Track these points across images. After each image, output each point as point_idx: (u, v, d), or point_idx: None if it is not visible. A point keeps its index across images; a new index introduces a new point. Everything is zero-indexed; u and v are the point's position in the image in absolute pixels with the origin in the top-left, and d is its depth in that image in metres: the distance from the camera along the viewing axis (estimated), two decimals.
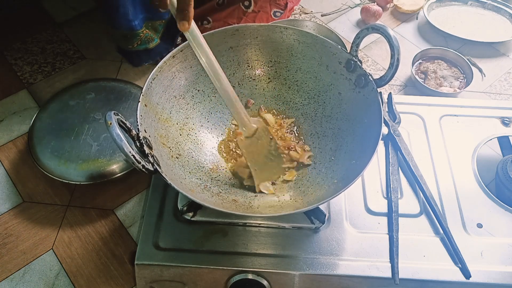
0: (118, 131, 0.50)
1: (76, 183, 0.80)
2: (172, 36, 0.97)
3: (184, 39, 0.65)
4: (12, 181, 0.85)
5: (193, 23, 0.55)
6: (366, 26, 0.63)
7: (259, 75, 0.75)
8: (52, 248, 0.77)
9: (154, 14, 0.91)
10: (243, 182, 0.67)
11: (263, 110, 0.74)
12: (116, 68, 1.05)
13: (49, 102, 0.91)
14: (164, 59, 0.65)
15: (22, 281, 0.73)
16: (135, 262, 0.62)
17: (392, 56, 0.60)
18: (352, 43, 0.66)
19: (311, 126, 0.72)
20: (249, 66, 0.74)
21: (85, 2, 1.19)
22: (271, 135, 0.68)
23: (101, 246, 0.77)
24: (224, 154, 0.70)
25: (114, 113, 0.52)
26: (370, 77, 0.63)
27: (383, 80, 0.62)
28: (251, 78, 0.75)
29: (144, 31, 0.91)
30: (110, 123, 0.51)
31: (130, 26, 0.87)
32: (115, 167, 0.81)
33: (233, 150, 0.71)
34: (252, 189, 0.66)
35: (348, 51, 0.67)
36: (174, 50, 0.67)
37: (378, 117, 0.60)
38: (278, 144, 0.69)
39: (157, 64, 0.65)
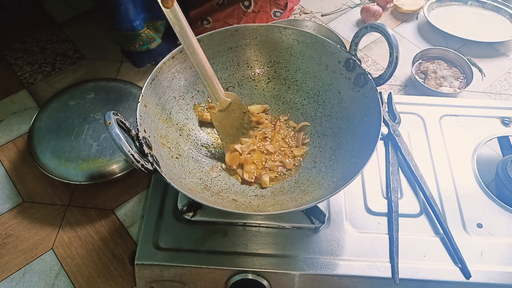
0: (117, 130, 0.51)
1: (76, 183, 0.80)
2: (173, 36, 0.97)
3: None
4: (12, 181, 0.85)
5: (175, 3, 0.56)
6: (365, 25, 0.63)
7: (258, 75, 0.75)
8: (52, 248, 0.77)
9: (154, 14, 0.91)
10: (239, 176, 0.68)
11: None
12: (116, 68, 1.05)
13: (49, 102, 0.91)
14: (164, 59, 0.65)
15: (22, 281, 0.73)
16: (135, 262, 0.62)
17: (391, 54, 0.60)
18: (351, 42, 0.66)
19: (311, 125, 0.72)
20: (248, 66, 0.74)
21: (85, 2, 1.19)
22: (244, 108, 0.68)
23: (101, 246, 0.77)
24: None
25: (113, 113, 0.52)
26: (369, 76, 0.63)
27: (382, 79, 0.62)
28: (250, 78, 0.75)
29: (146, 31, 0.91)
30: (109, 123, 0.51)
31: (131, 26, 0.87)
32: (115, 167, 0.81)
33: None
34: (251, 188, 0.66)
35: (347, 51, 0.67)
36: (174, 51, 0.67)
37: (377, 115, 0.60)
38: (250, 118, 0.70)
39: (156, 64, 0.65)
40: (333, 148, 0.67)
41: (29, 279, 0.74)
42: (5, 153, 0.90)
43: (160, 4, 0.55)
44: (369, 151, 0.57)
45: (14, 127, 0.94)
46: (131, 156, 0.51)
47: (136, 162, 0.51)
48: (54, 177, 0.80)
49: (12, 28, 1.13)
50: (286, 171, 0.68)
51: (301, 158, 0.69)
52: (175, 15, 0.57)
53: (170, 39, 0.98)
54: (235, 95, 0.67)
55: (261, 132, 0.72)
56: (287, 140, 0.71)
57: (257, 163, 0.68)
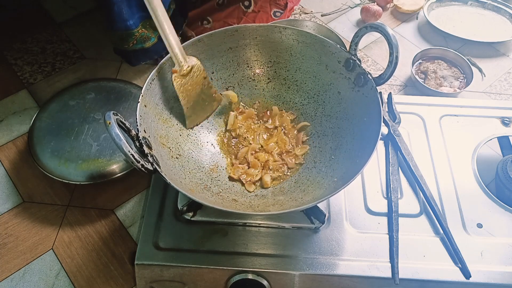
0: (117, 130, 0.51)
1: (76, 183, 0.80)
2: None
3: (184, 39, 0.65)
4: (12, 181, 0.85)
5: None
6: (365, 25, 0.63)
7: (258, 75, 0.75)
8: (52, 248, 0.77)
9: None
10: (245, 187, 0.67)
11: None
12: (116, 68, 1.05)
13: (49, 102, 0.91)
14: (164, 59, 0.65)
15: (22, 281, 0.73)
16: (135, 262, 0.62)
17: (391, 54, 0.60)
18: (351, 42, 0.66)
19: (311, 125, 0.72)
20: (248, 67, 0.74)
21: (85, 2, 1.19)
22: (205, 74, 0.68)
23: (101, 246, 0.77)
24: (225, 149, 0.70)
25: (113, 113, 0.52)
26: (369, 75, 0.63)
27: (382, 78, 0.62)
28: (250, 78, 0.75)
29: (140, 30, 0.90)
30: (109, 123, 0.51)
31: (125, 25, 0.87)
32: (115, 167, 0.81)
33: (231, 145, 0.71)
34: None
35: (347, 50, 0.67)
36: None
37: (377, 115, 0.60)
38: (210, 84, 0.69)
39: (155, 64, 0.65)
40: (333, 148, 0.67)
41: (29, 279, 0.74)
42: (5, 153, 0.90)
43: None
44: (369, 151, 0.57)
45: (14, 127, 0.94)
46: (131, 156, 0.51)
47: (136, 162, 0.51)
48: (54, 177, 0.80)
49: (12, 28, 1.13)
50: (288, 170, 0.68)
51: (303, 157, 0.69)
52: None
53: None
54: (197, 60, 0.66)
55: (261, 132, 0.72)
56: (288, 140, 0.71)
57: (260, 166, 0.68)
